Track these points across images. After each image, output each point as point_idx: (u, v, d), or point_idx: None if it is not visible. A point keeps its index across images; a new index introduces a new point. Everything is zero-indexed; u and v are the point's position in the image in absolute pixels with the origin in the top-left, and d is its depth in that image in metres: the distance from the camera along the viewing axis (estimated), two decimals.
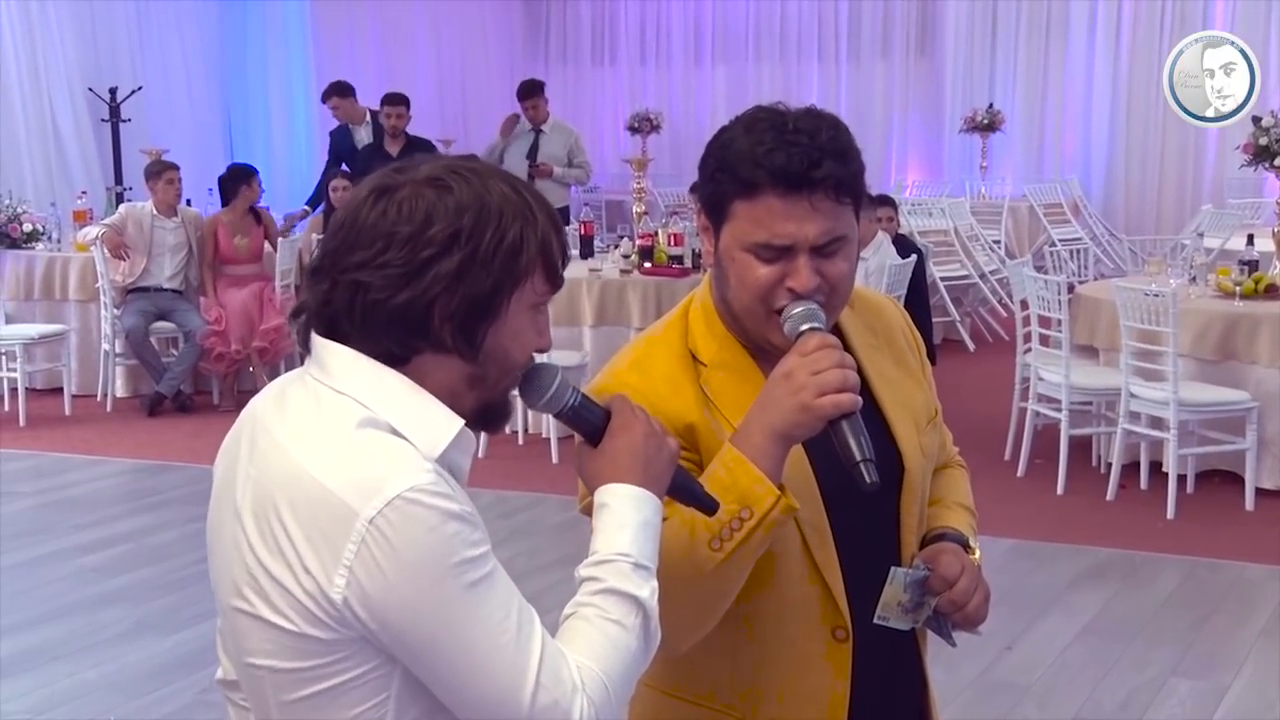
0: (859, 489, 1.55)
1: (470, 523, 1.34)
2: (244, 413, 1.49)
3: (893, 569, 1.74)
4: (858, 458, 1.55)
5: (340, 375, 1.39)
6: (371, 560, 1.30)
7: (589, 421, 1.50)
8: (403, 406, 1.37)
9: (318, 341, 1.41)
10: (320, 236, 1.43)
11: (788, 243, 1.62)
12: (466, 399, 1.42)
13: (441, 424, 1.38)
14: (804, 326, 1.62)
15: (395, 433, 1.35)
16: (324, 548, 1.32)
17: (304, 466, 1.34)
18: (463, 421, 1.39)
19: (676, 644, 1.66)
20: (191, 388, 8.29)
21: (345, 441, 1.34)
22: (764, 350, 1.72)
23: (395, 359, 1.38)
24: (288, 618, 1.34)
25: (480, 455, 6.90)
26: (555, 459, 6.82)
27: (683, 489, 1.53)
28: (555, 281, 1.43)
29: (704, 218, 1.72)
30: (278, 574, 1.35)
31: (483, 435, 6.07)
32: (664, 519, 1.62)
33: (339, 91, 9.89)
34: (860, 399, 1.56)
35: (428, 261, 1.35)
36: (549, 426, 6.96)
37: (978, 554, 1.83)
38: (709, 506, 1.55)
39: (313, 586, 1.33)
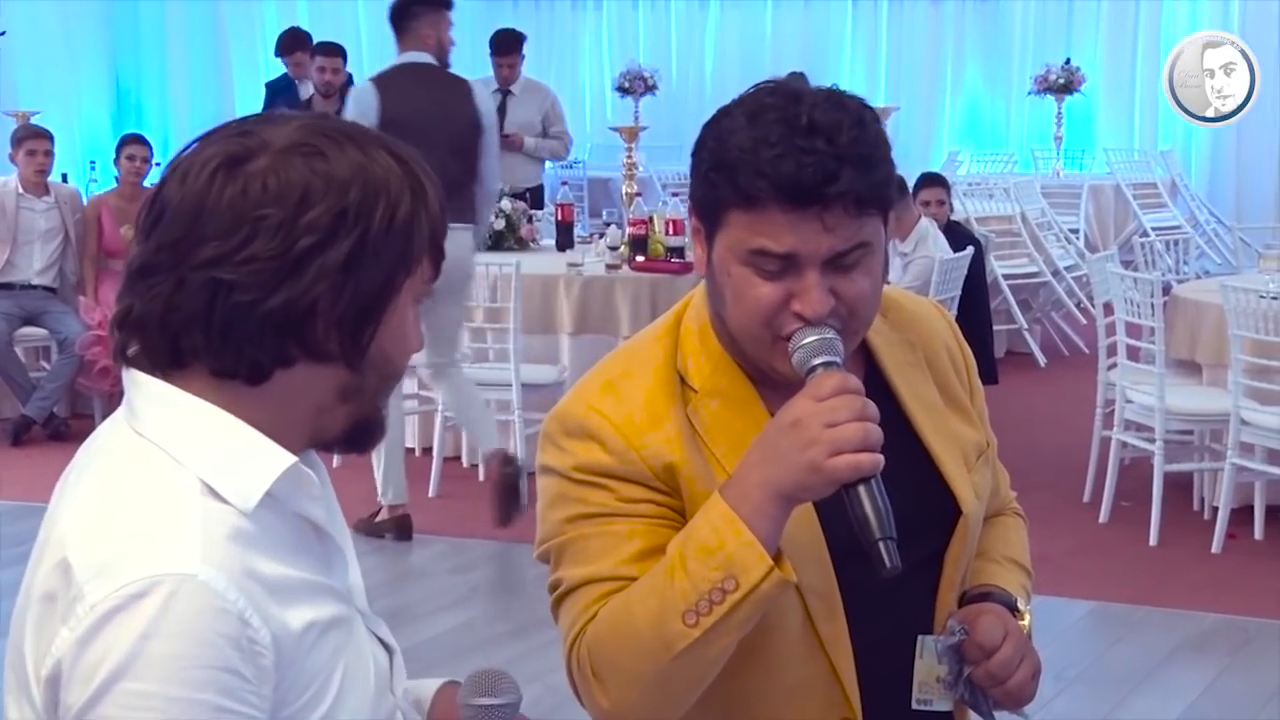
0: (876, 573, 1.57)
1: (244, 654, 1.29)
2: None
3: (920, 639, 1.76)
4: (877, 535, 1.57)
5: (146, 416, 1.38)
6: (76, 659, 1.28)
7: None
8: (217, 451, 1.36)
9: (125, 375, 1.41)
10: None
11: (790, 251, 1.64)
12: (337, 415, 1.42)
13: (263, 466, 1.36)
14: (817, 361, 1.63)
15: (207, 487, 1.34)
16: (43, 632, 1.31)
17: (65, 538, 1.34)
18: (292, 459, 1.38)
19: None
20: (68, 410, 8.29)
21: (114, 506, 1.34)
22: (767, 377, 1.74)
23: (257, 374, 1.37)
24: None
25: (431, 494, 6.91)
26: (524, 499, 6.81)
27: None
28: (440, 268, 1.45)
29: (696, 219, 1.74)
30: (19, 676, 1.34)
31: (434, 471, 5.99)
32: (630, 578, 1.65)
33: (299, 45, 9.89)
34: (882, 459, 1.57)
35: (309, 251, 1.34)
36: (515, 449, 6.95)
37: (1027, 620, 1.86)
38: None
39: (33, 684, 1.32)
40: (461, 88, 6.44)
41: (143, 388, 1.39)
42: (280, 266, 1.33)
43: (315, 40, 9.99)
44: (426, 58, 6.44)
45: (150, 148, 8.64)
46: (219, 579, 1.28)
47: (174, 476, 1.34)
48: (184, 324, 1.35)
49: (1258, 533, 6.23)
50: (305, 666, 1.35)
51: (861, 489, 1.57)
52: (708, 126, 1.71)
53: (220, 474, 1.35)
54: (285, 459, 1.37)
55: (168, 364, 1.38)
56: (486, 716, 1.50)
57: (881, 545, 1.56)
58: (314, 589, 1.38)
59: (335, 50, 9.39)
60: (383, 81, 6.39)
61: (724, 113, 1.70)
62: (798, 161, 1.61)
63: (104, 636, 1.26)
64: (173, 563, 1.28)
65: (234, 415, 1.37)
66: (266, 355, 1.36)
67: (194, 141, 1.42)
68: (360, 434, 1.46)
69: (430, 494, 6.94)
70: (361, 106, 6.24)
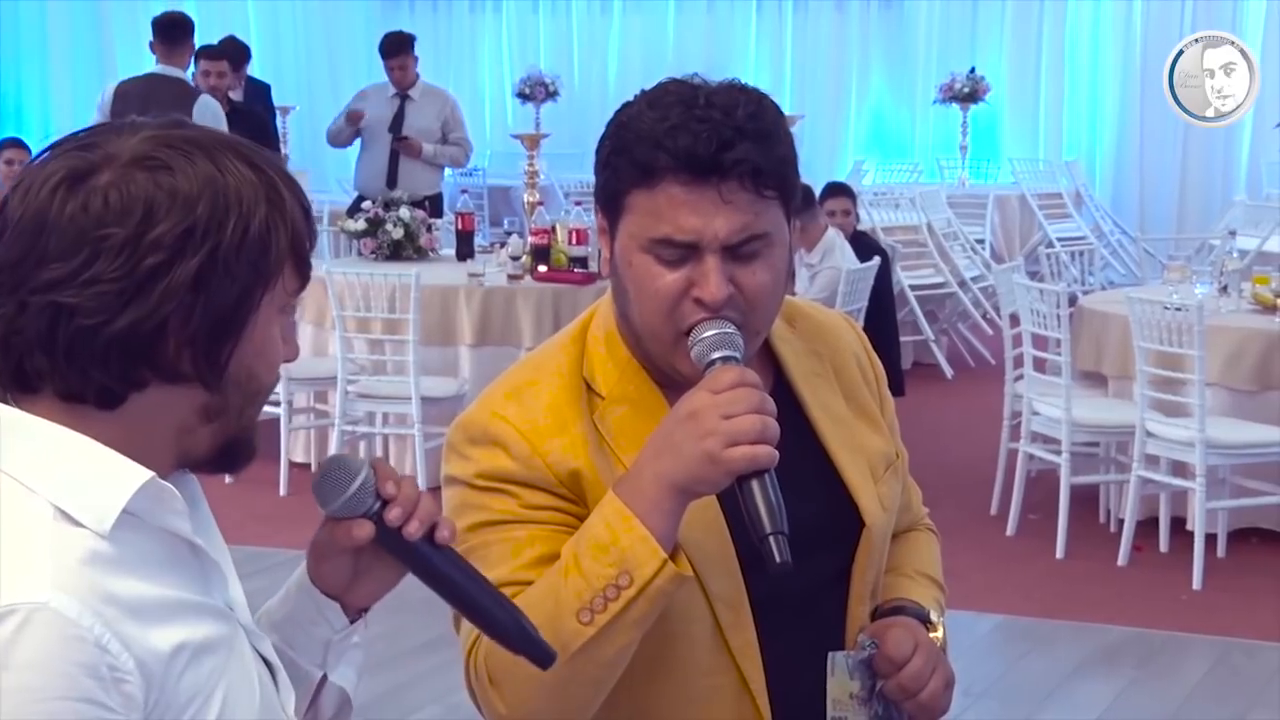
0: (765, 567, 1.58)
1: (104, 682, 1.25)
2: None
3: (831, 655, 1.78)
4: (768, 529, 1.58)
5: None
6: None
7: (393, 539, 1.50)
8: (68, 474, 1.33)
9: None
10: None
11: (691, 239, 1.67)
12: (201, 435, 1.40)
13: (117, 485, 1.33)
14: (715, 355, 1.66)
15: (60, 512, 1.31)
16: None
17: None
18: (147, 474, 1.35)
19: None
20: None
21: None
22: (674, 381, 1.76)
23: (107, 398, 1.35)
24: None
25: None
26: None
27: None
28: (306, 276, 1.42)
29: (600, 215, 1.77)
30: None
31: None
32: (528, 583, 1.66)
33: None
34: (777, 454, 1.59)
35: (155, 271, 1.31)
36: (414, 465, 6.92)
37: (940, 632, 1.88)
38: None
39: None
40: (187, 100, 7.49)
41: None
42: (124, 288, 1.31)
43: (243, 44, 9.93)
44: (176, 72, 7.79)
45: (30, 152, 8.50)
46: (72, 605, 1.26)
47: (24, 504, 1.31)
48: (27, 348, 1.33)
49: (1163, 545, 6.31)
50: (180, 689, 1.32)
51: (754, 483, 1.59)
52: (610, 122, 1.75)
53: (72, 497, 1.32)
54: (140, 475, 1.34)
55: (16, 388, 1.36)
56: (358, 501, 1.49)
57: (772, 540, 1.57)
58: (187, 608, 1.36)
59: (219, 54, 9.29)
60: (123, 88, 7.75)
61: (626, 106, 1.74)
62: (693, 132, 1.65)
63: None
64: (22, 591, 1.25)
65: (89, 437, 1.34)
66: (115, 379, 1.34)
67: (41, 152, 1.39)
68: (229, 454, 1.43)
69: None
70: (100, 106, 7.76)
